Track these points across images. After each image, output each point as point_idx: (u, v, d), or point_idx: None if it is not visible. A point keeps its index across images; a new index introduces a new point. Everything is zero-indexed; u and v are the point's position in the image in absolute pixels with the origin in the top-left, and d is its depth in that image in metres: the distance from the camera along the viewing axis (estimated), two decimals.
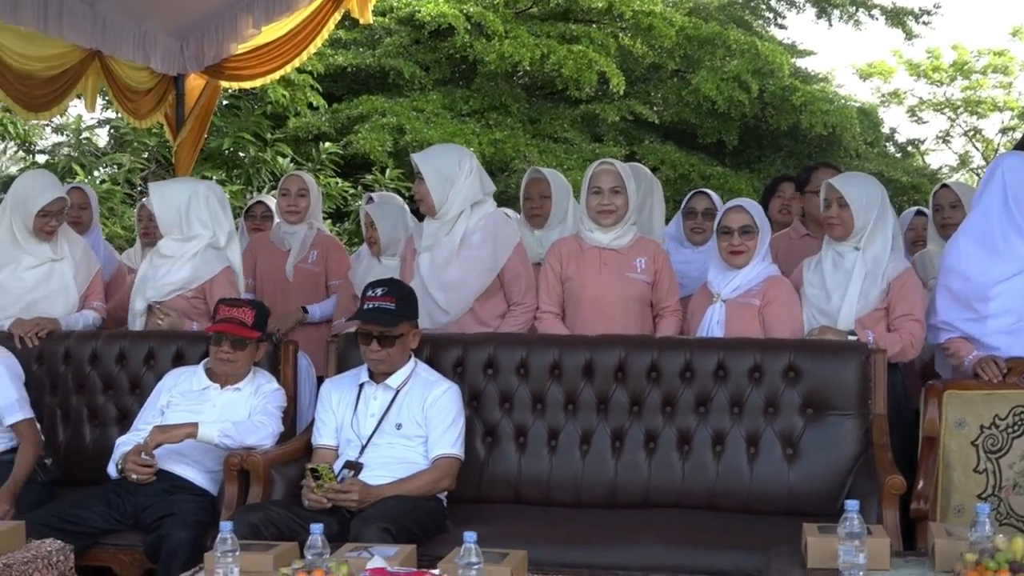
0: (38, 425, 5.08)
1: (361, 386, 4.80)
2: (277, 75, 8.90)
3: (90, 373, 5.46)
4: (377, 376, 4.78)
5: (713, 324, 5.18)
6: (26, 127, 14.02)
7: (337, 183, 13.86)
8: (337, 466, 4.63)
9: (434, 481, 4.61)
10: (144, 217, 7.17)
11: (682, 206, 6.27)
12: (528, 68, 15.78)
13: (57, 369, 5.47)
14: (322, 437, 4.82)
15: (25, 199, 5.60)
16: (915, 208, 7.07)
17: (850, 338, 4.97)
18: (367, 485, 4.49)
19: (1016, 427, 4.58)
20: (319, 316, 6.41)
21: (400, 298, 4.74)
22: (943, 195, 5.93)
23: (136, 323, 5.66)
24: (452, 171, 5.37)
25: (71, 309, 5.72)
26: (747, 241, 5.16)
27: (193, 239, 5.60)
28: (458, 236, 5.39)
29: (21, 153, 15.18)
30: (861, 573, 3.50)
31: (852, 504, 3.58)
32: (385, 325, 4.69)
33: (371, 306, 4.71)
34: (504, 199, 15.47)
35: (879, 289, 5.05)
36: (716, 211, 5.93)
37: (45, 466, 5.04)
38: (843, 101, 18.07)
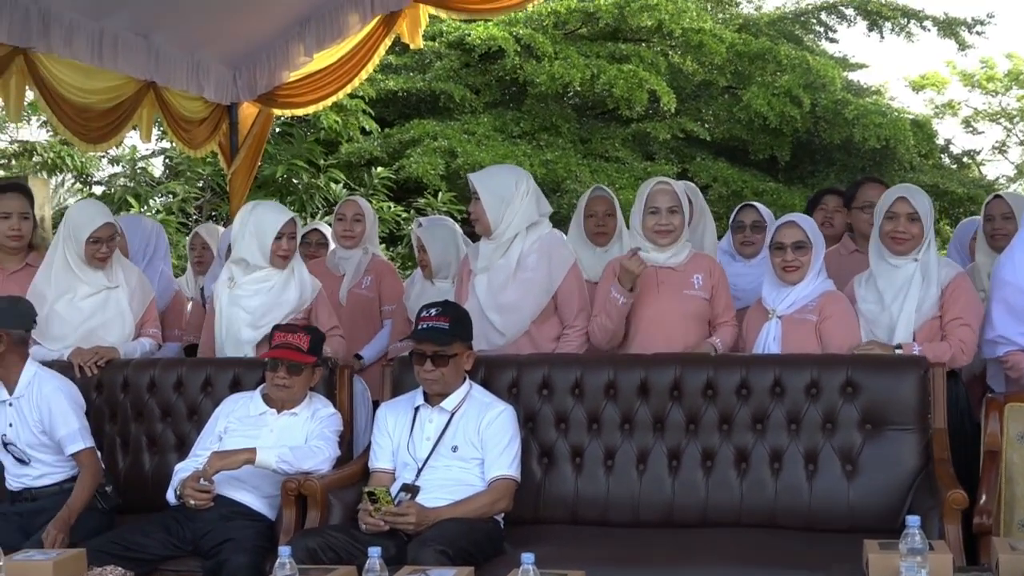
0: (98, 454, 5.13)
1: (417, 409, 4.81)
2: (329, 102, 8.99)
3: (148, 401, 5.50)
4: (432, 398, 4.78)
5: (769, 341, 5.14)
6: (83, 159, 14.23)
7: (390, 207, 13.94)
8: (394, 489, 4.64)
9: (491, 503, 4.61)
10: (197, 245, 7.23)
11: (731, 220, 6.25)
12: (578, 88, 15.80)
13: (116, 397, 5.51)
14: (379, 461, 4.83)
15: (75, 227, 5.66)
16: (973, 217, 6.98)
17: (896, 352, 4.92)
18: (424, 508, 4.49)
19: None
20: (374, 357, 6.41)
21: (454, 319, 4.76)
22: (995, 206, 5.84)
23: (243, 351, 5.59)
24: (509, 191, 5.37)
25: (127, 336, 5.75)
26: (801, 256, 5.13)
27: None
28: (514, 258, 5.39)
29: (78, 185, 15.40)
30: None
31: (913, 520, 3.55)
32: (439, 344, 4.70)
33: (425, 326, 4.73)
34: (556, 220, 15.39)
35: (933, 298, 5.02)
36: (765, 223, 5.94)
37: (106, 494, 5.08)
38: (896, 113, 17.91)
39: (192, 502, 4.75)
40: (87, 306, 5.69)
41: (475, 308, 5.29)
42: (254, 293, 5.53)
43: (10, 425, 5.06)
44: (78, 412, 5.07)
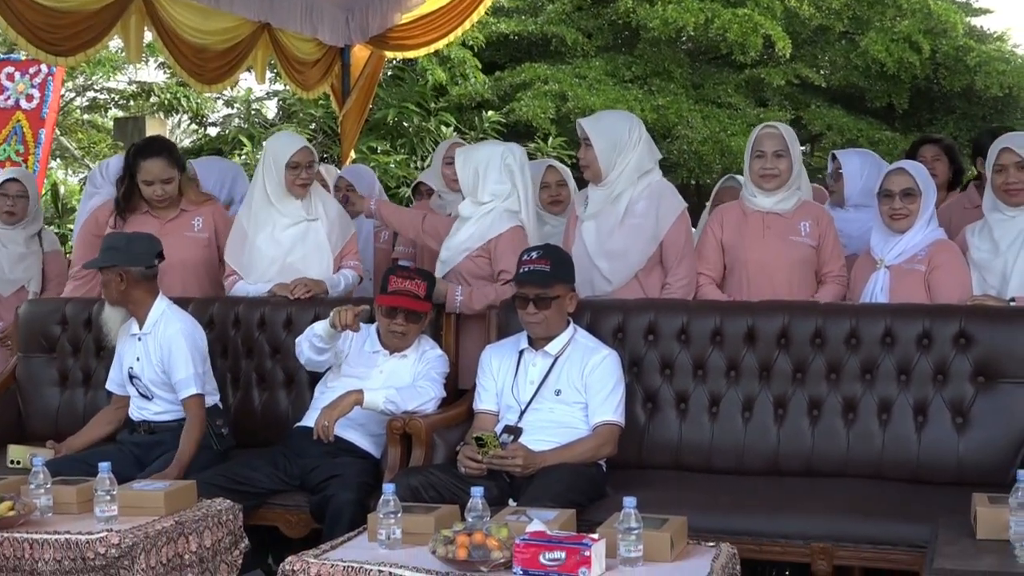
0: (213, 399, 5.21)
1: (521, 352, 4.82)
2: (442, 44, 8.98)
3: (258, 338, 5.59)
4: (536, 342, 4.79)
5: (877, 291, 5.06)
6: (198, 100, 14.45)
7: None
8: (497, 430, 4.67)
9: (596, 448, 4.61)
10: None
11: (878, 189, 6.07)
12: (692, 33, 15.62)
13: (227, 334, 5.62)
14: (483, 402, 4.86)
15: (275, 155, 5.76)
16: None
17: (1011, 304, 4.81)
18: (531, 451, 4.50)
19: None
20: None
21: (555, 260, 4.74)
22: None
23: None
24: (622, 138, 5.33)
25: (326, 270, 5.78)
26: (909, 204, 5.03)
27: (488, 201, 5.50)
28: (623, 204, 5.35)
29: (194, 126, 15.66)
30: None
31: None
32: (541, 286, 4.70)
33: (527, 269, 4.73)
34: (666, 165, 15.39)
35: None
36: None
37: (222, 435, 5.17)
38: (1021, 60, 17.42)
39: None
40: (287, 239, 5.76)
41: (582, 254, 5.28)
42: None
43: (137, 359, 5.17)
44: (197, 357, 5.12)
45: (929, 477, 4.62)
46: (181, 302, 5.42)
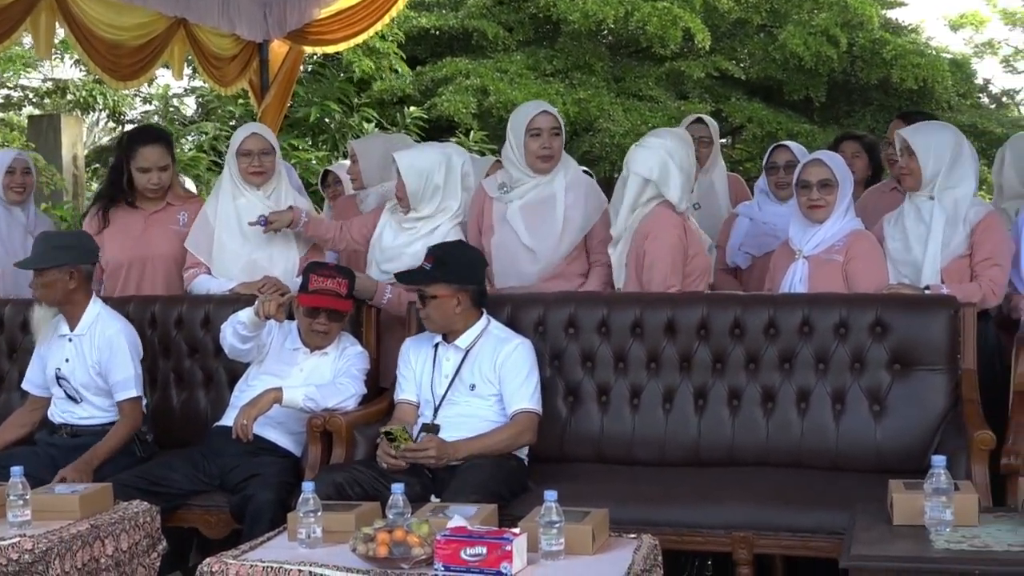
0: (144, 403, 5.14)
1: (436, 346, 4.81)
2: (361, 39, 8.91)
3: (176, 337, 5.53)
4: (448, 336, 4.78)
5: (795, 282, 5.09)
6: (115, 97, 14.26)
7: None
8: (416, 430, 4.65)
9: (514, 436, 4.61)
10: None
11: (764, 161, 6.20)
12: (612, 26, 15.64)
13: (143, 333, 5.50)
14: (403, 392, 4.85)
15: (232, 144, 5.77)
16: None
17: (926, 292, 4.87)
18: (444, 442, 4.50)
19: None
20: None
21: (438, 262, 4.72)
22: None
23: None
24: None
25: (292, 269, 5.67)
26: (826, 195, 5.07)
27: (436, 214, 5.48)
28: (558, 191, 5.43)
29: (111, 124, 15.45)
30: (948, 529, 3.45)
31: (939, 460, 3.53)
32: (417, 284, 4.74)
33: (408, 267, 4.86)
34: (588, 159, 15.45)
35: (961, 236, 4.93)
36: (797, 162, 5.85)
37: (146, 442, 5.10)
38: (934, 53, 17.67)
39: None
40: (252, 234, 5.67)
41: (509, 240, 5.32)
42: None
43: (66, 360, 5.08)
44: (136, 359, 5.09)
45: (848, 465, 4.67)
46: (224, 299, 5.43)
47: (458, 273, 4.72)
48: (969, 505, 3.56)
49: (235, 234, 5.66)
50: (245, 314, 4.88)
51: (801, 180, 5.14)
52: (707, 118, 6.66)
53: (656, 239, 5.11)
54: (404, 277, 4.85)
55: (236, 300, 5.38)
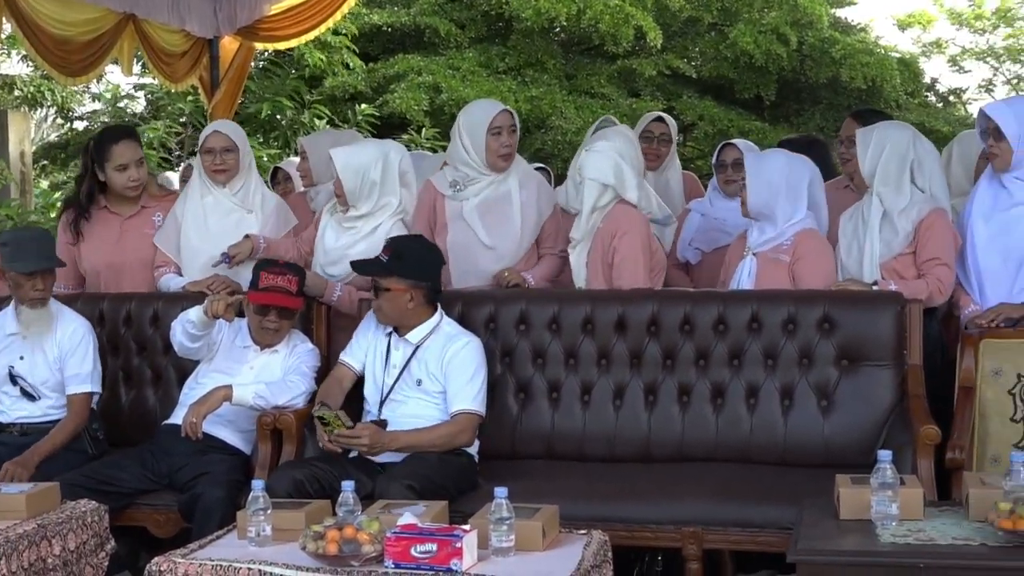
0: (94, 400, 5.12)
1: (389, 335, 4.81)
2: (312, 35, 8.88)
3: (124, 334, 5.49)
4: (399, 329, 4.78)
5: (743, 278, 5.15)
6: (64, 94, 14.12)
7: None
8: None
9: (451, 435, 4.60)
10: (187, 179, 7.17)
11: (713, 160, 6.24)
12: (564, 24, 15.65)
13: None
14: (350, 355, 4.87)
15: (199, 142, 5.73)
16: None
17: (873, 288, 4.92)
18: (379, 430, 4.49)
19: None
20: None
21: (395, 255, 4.72)
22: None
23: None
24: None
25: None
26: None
27: (377, 211, 5.48)
28: (514, 188, 5.47)
29: (60, 120, 15.30)
30: (894, 523, 3.50)
31: (885, 454, 3.58)
32: (371, 274, 4.76)
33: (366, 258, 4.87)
34: (540, 156, 15.46)
35: (903, 233, 4.98)
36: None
37: (98, 439, 5.07)
38: (883, 52, 17.81)
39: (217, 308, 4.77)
40: (217, 229, 5.62)
41: (466, 239, 5.35)
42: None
43: (21, 358, 5.04)
44: (95, 354, 5.09)
45: (796, 460, 4.71)
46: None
47: (414, 268, 4.72)
48: (914, 499, 3.61)
49: (202, 232, 5.63)
50: (194, 313, 4.86)
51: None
52: (667, 116, 6.69)
53: (627, 235, 5.15)
54: (360, 267, 4.86)
55: (185, 298, 5.34)
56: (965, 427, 4.41)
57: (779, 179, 5.12)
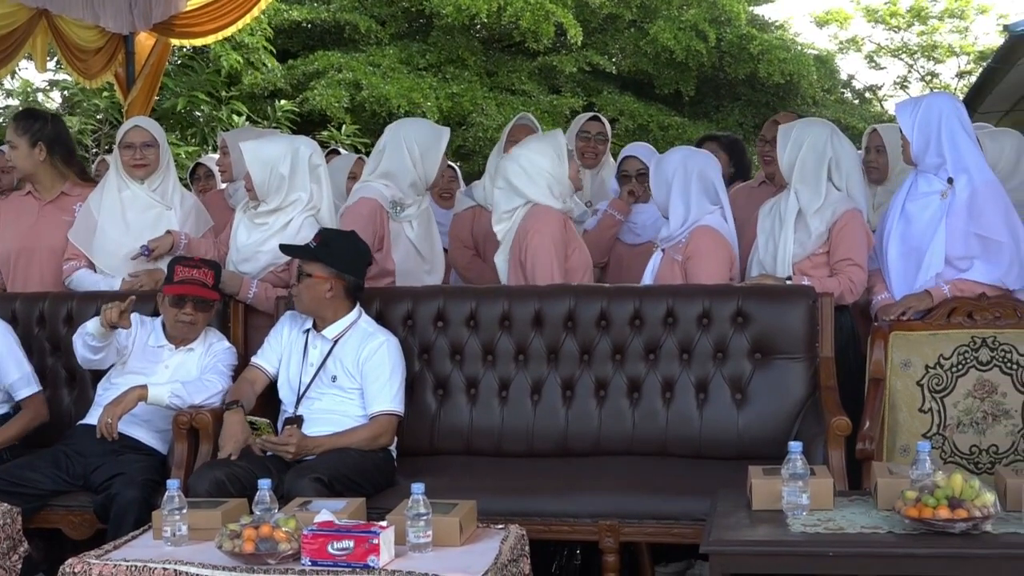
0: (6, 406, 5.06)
1: (307, 332, 4.80)
2: (228, 32, 8.80)
3: (38, 334, 5.40)
4: (317, 324, 4.77)
5: (647, 273, 5.27)
6: None
7: None
8: (280, 423, 4.65)
9: (372, 438, 4.60)
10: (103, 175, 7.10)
11: (616, 171, 6.23)
12: (485, 20, 15.68)
13: None
14: (262, 358, 4.85)
15: (117, 137, 5.67)
16: None
17: (787, 283, 5.00)
18: (305, 436, 4.50)
19: (960, 366, 4.63)
20: None
21: (324, 242, 4.73)
22: (871, 138, 5.97)
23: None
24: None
25: None
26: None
27: (287, 206, 5.42)
28: (428, 207, 5.58)
29: None
30: (804, 513, 3.56)
31: (795, 446, 3.64)
32: (298, 257, 4.77)
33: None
34: (462, 153, 15.48)
35: (817, 233, 5.07)
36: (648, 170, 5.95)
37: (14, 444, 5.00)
38: (800, 49, 18.06)
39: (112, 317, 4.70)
40: (136, 225, 5.55)
41: (410, 257, 5.42)
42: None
43: None
44: (25, 355, 5.04)
45: (711, 452, 4.76)
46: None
47: (340, 260, 4.73)
48: (824, 489, 3.67)
49: (119, 226, 5.57)
50: (92, 324, 4.80)
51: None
52: (601, 116, 6.76)
53: (537, 233, 5.16)
54: (288, 249, 4.90)
55: (100, 297, 5.29)
56: (875, 418, 4.49)
57: (672, 177, 5.22)
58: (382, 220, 5.35)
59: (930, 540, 3.34)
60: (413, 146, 5.44)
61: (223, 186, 6.65)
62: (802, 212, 5.07)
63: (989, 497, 3.36)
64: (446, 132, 5.58)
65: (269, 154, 5.37)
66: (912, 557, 3.34)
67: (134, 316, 4.95)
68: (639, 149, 6.25)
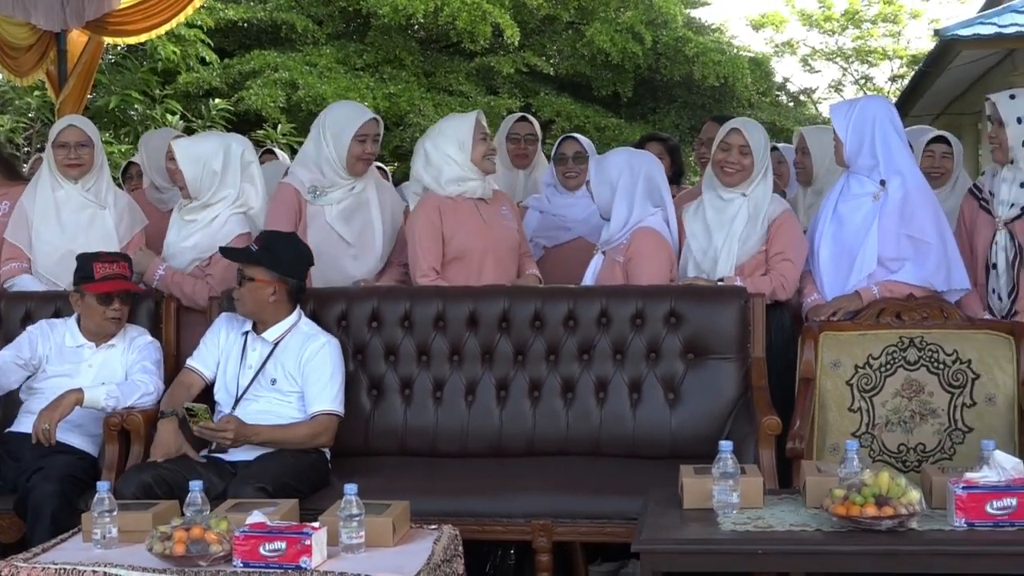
0: None
1: (245, 335, 4.77)
2: (162, 30, 8.72)
3: None
4: (256, 327, 4.75)
5: (588, 275, 5.28)
6: None
7: None
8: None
9: (312, 436, 4.59)
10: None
11: (553, 153, 6.28)
12: (422, 21, 15.66)
13: None
14: (198, 360, 4.81)
15: (50, 136, 5.61)
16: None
17: (718, 284, 5.04)
18: (243, 423, 4.47)
19: (888, 366, 4.69)
20: None
21: (265, 246, 4.71)
22: (798, 141, 6.06)
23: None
24: None
25: None
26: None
27: (216, 203, 5.42)
28: (371, 195, 5.47)
29: None
30: (734, 511, 3.60)
31: (726, 445, 3.68)
32: (238, 261, 4.73)
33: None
34: (399, 154, 15.45)
35: (760, 232, 5.14)
36: (586, 154, 6.00)
37: None
38: (736, 52, 18.21)
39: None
40: (71, 225, 5.49)
41: (330, 243, 5.33)
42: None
43: None
44: None
45: (644, 452, 4.79)
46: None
47: (283, 263, 4.71)
48: (754, 488, 3.72)
49: (53, 226, 5.51)
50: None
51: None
52: (530, 116, 6.79)
53: (408, 221, 5.37)
54: (229, 253, 4.85)
55: (29, 298, 5.28)
56: (805, 417, 4.54)
57: (618, 179, 5.24)
58: (298, 205, 5.36)
59: (857, 537, 3.39)
60: (326, 128, 5.42)
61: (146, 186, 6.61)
62: (751, 215, 5.13)
63: (915, 495, 3.41)
64: (362, 114, 5.46)
65: (201, 151, 5.37)
66: (839, 554, 3.40)
67: (42, 324, 4.98)
68: (576, 135, 6.36)
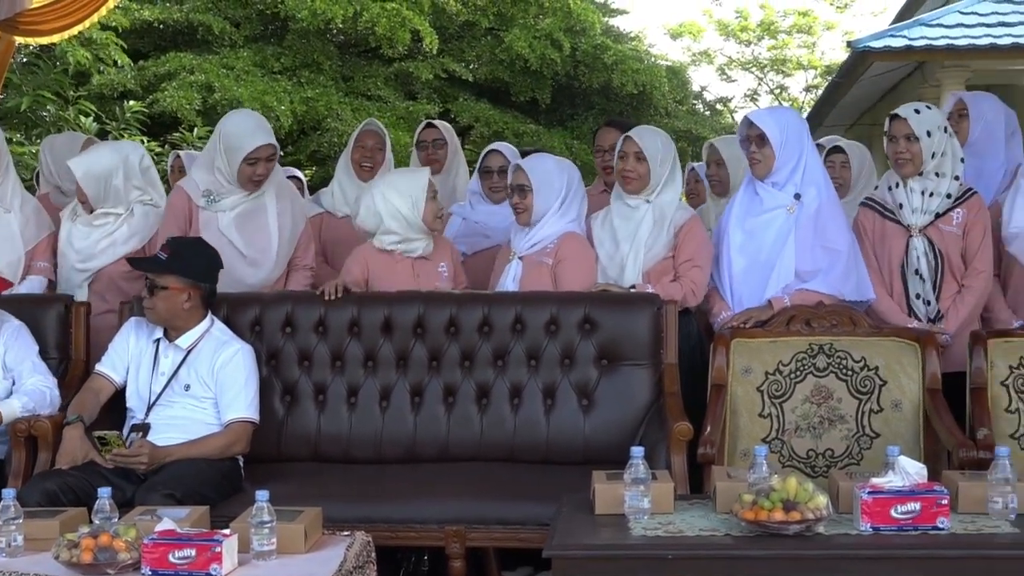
0: None
1: (156, 342, 4.72)
2: (76, 30, 8.53)
3: None
4: (168, 334, 4.70)
5: (508, 281, 5.25)
6: None
7: (143, 142, 13.50)
8: (126, 430, 4.56)
9: (226, 445, 4.56)
10: None
11: (479, 165, 6.29)
12: (341, 25, 15.56)
13: None
14: (108, 366, 4.76)
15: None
16: None
17: (631, 291, 5.08)
18: (156, 447, 4.43)
19: (798, 373, 4.76)
20: None
21: (175, 253, 4.67)
22: (710, 153, 6.13)
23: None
24: None
25: (15, 265, 5.43)
26: (523, 200, 5.23)
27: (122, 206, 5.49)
28: (270, 201, 5.45)
29: None
30: (646, 517, 3.62)
31: (637, 451, 3.70)
32: (149, 272, 4.68)
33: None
34: (316, 158, 15.37)
35: (666, 239, 5.18)
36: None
37: None
38: (653, 60, 18.35)
39: None
40: None
41: (223, 249, 5.18)
42: None
43: None
44: None
45: (558, 458, 4.82)
46: None
47: (194, 269, 4.68)
48: (666, 493, 3.75)
49: None
50: None
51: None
52: (439, 122, 6.77)
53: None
54: (138, 263, 4.84)
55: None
56: (716, 423, 4.59)
57: (564, 187, 5.26)
58: (188, 211, 5.38)
59: (765, 542, 3.43)
60: (220, 140, 5.42)
61: (46, 190, 6.54)
62: (657, 221, 5.17)
63: (822, 500, 3.46)
64: (255, 138, 5.35)
65: (101, 168, 5.41)
66: (748, 559, 3.43)
67: None
68: (502, 147, 6.31)
